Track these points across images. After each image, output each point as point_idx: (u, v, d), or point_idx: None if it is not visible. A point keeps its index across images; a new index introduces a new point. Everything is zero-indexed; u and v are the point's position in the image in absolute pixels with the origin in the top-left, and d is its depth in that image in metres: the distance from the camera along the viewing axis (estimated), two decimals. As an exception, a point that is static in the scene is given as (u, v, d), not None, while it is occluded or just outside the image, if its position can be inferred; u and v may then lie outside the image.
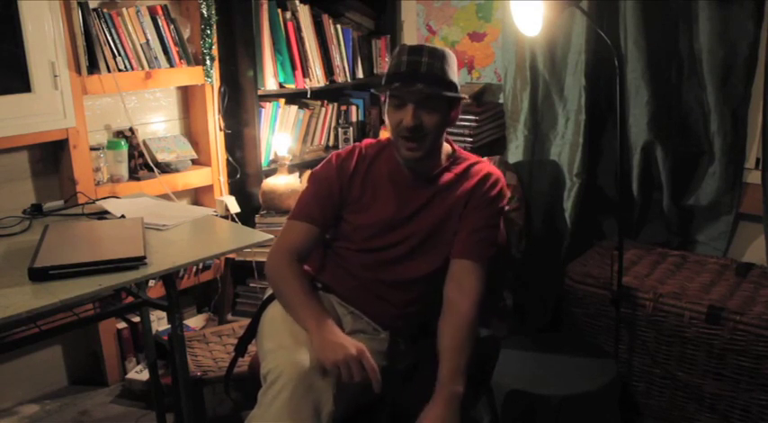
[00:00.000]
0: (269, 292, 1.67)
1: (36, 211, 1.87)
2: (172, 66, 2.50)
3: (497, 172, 1.65)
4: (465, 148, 2.51)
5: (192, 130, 2.74)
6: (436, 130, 1.55)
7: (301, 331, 1.44)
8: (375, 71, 3.08)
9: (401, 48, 1.57)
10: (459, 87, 1.58)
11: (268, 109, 2.72)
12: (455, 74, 1.57)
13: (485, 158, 1.71)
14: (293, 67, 2.73)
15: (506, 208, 1.68)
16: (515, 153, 2.61)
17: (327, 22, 2.85)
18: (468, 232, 1.57)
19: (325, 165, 1.67)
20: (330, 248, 1.66)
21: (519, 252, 2.22)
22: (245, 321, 2.19)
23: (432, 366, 1.48)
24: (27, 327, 1.68)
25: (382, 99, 1.62)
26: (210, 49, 2.54)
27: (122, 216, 1.80)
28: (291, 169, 2.70)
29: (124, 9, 2.34)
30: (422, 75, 1.52)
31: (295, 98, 2.87)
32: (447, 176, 1.62)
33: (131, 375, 2.48)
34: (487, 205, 1.60)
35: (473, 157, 1.68)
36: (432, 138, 1.55)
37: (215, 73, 2.59)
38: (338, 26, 2.89)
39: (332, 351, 1.35)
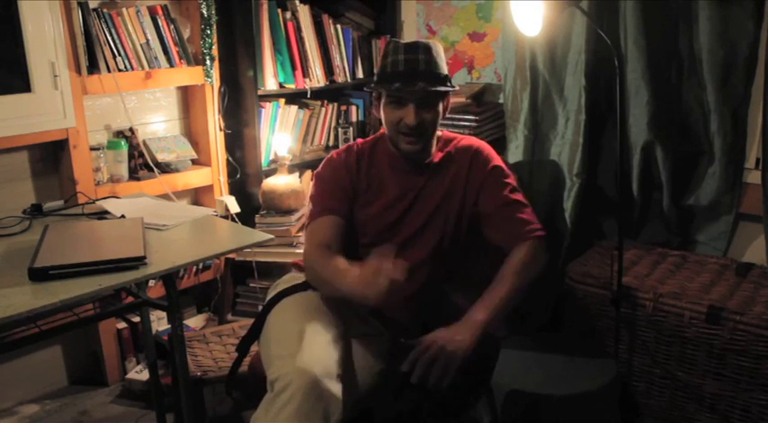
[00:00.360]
0: (272, 292, 1.67)
1: (36, 211, 1.87)
2: (172, 66, 2.49)
3: (480, 143, 1.74)
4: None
5: (191, 130, 2.74)
6: (435, 124, 1.63)
7: (311, 335, 1.40)
8: (375, 71, 3.07)
9: (395, 45, 1.59)
10: (450, 78, 1.64)
11: (268, 109, 2.71)
12: (446, 64, 1.63)
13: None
14: (293, 67, 2.73)
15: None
16: (515, 153, 2.61)
17: (327, 22, 2.85)
18: (497, 220, 1.65)
19: (327, 164, 1.70)
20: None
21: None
22: (246, 321, 2.20)
23: None
24: (27, 327, 1.68)
25: (374, 95, 1.65)
26: (210, 49, 2.54)
27: (122, 216, 1.80)
28: (291, 169, 2.70)
29: (124, 9, 2.34)
30: (421, 73, 1.55)
31: (295, 98, 2.86)
32: (439, 156, 1.69)
33: (131, 375, 2.48)
34: (489, 177, 1.67)
35: (457, 136, 1.76)
36: (431, 131, 1.63)
37: (215, 73, 2.59)
38: (338, 26, 2.89)
39: (370, 280, 1.30)
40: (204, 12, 2.50)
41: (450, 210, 1.66)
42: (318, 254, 1.55)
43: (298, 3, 2.73)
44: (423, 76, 1.54)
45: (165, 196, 2.47)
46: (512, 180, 1.70)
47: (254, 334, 1.61)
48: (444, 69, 1.60)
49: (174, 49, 2.50)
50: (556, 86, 2.50)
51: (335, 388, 1.32)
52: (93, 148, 2.36)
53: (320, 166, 1.72)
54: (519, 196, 1.68)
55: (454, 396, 1.61)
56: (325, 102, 2.96)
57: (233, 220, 2.61)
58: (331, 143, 3.02)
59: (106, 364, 2.50)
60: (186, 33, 2.55)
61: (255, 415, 1.34)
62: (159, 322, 2.60)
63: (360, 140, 1.74)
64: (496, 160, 1.71)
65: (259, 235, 1.72)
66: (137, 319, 2.24)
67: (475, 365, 1.52)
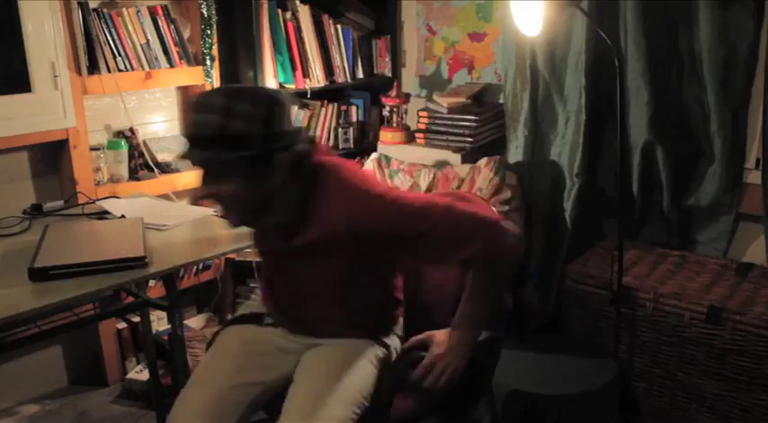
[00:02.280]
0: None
1: (36, 211, 1.87)
2: (172, 66, 2.49)
3: (351, 209, 1.33)
4: (464, 149, 2.53)
5: (192, 131, 2.74)
6: (247, 199, 1.28)
7: (201, 384, 1.46)
8: (375, 71, 3.08)
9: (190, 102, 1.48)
10: (273, 134, 1.25)
11: (268, 109, 2.71)
12: (247, 121, 1.22)
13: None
14: (293, 68, 2.73)
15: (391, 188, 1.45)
16: (515, 153, 2.61)
17: (327, 22, 2.85)
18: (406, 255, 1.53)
19: None
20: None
21: (519, 252, 2.21)
22: (245, 321, 2.20)
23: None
24: (27, 327, 1.68)
25: None
26: (210, 49, 2.54)
27: (122, 216, 1.80)
28: (291, 169, 2.70)
29: (124, 9, 2.34)
30: (199, 137, 1.25)
31: (295, 98, 2.86)
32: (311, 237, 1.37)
33: (131, 375, 2.48)
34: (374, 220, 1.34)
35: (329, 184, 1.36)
36: (241, 204, 1.30)
37: (215, 73, 2.59)
38: (338, 26, 2.89)
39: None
40: (204, 12, 2.50)
41: (328, 250, 1.41)
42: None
43: (298, 3, 2.73)
44: (199, 142, 1.24)
45: (165, 196, 2.46)
46: (391, 202, 1.34)
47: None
48: (235, 127, 1.21)
49: (174, 50, 2.50)
50: (556, 87, 2.50)
51: None
52: (93, 148, 2.36)
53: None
54: (402, 226, 1.34)
55: (451, 399, 1.61)
56: (326, 102, 2.96)
57: (233, 220, 2.61)
58: (331, 143, 3.02)
59: (106, 364, 2.50)
60: (186, 33, 2.55)
61: None
62: (159, 322, 2.59)
63: None
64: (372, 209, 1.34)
65: (259, 235, 1.72)
66: (137, 319, 2.24)
67: (471, 371, 1.54)
